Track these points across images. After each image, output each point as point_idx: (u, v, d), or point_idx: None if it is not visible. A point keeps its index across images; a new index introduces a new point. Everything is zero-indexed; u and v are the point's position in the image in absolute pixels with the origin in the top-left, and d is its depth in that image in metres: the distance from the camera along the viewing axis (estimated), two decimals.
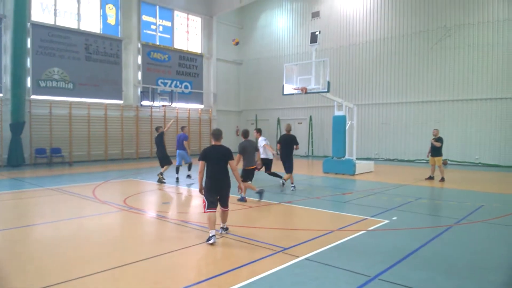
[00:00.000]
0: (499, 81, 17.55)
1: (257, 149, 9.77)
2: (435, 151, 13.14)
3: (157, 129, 13.24)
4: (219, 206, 6.16)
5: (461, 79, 18.61)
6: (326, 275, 4.66)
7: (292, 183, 11.22)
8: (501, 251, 5.65)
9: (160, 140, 12.87)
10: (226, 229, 6.47)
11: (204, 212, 5.93)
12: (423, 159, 19.38)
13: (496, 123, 17.58)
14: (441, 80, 19.22)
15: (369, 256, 5.33)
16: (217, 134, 6.29)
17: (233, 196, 7.81)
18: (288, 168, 11.26)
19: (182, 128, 13.86)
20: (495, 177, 14.58)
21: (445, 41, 19.00)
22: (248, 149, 9.33)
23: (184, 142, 13.07)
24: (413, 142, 20.11)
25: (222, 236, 6.23)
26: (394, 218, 7.59)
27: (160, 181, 12.33)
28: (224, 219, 6.38)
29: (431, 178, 13.36)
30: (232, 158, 6.25)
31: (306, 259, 5.16)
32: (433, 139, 13.27)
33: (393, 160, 20.71)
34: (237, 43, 15.66)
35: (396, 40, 20.70)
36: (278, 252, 5.44)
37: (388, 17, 20.96)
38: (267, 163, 11.31)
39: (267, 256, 5.25)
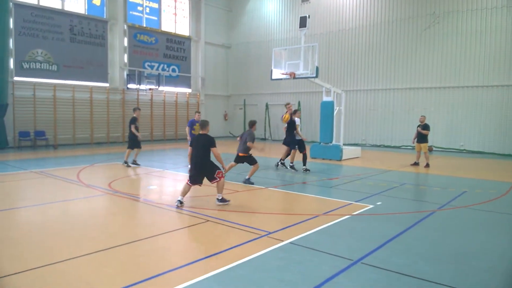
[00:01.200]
0: (486, 69, 17.69)
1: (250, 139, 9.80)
2: (421, 137, 13.27)
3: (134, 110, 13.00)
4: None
5: (449, 66, 18.71)
6: (310, 259, 4.70)
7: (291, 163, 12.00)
8: (483, 236, 5.76)
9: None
10: (222, 200, 7.21)
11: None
12: (409, 145, 19.58)
13: (482, 110, 17.79)
14: (429, 67, 19.30)
15: (353, 241, 5.39)
16: (202, 125, 7.38)
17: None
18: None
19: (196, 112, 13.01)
20: (479, 163, 14.83)
21: (434, 28, 19.02)
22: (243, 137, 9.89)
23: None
24: (399, 128, 20.27)
25: (207, 221, 6.22)
26: (379, 203, 7.67)
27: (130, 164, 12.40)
28: (218, 190, 7.24)
29: (416, 164, 13.52)
30: (214, 146, 7.13)
31: (290, 243, 5.18)
32: (419, 126, 13.37)
33: (379, 146, 20.89)
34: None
35: (385, 26, 20.65)
36: (263, 236, 5.45)
37: (377, 3, 20.84)
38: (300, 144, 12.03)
39: (252, 240, 5.26)
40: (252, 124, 10.08)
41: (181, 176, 10.90)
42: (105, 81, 20.66)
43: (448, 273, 4.33)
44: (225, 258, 4.60)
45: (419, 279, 4.14)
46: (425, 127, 13.26)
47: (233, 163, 9.79)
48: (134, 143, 12.39)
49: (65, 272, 4.19)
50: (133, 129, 12.22)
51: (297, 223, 6.15)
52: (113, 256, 4.69)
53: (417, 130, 13.41)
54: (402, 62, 20.15)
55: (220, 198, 7.27)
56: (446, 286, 3.97)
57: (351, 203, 7.63)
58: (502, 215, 7.01)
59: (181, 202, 7.06)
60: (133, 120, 12.33)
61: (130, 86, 21.30)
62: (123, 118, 21.06)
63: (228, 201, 7.33)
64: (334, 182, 10.17)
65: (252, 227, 5.83)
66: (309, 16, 14.42)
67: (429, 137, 13.78)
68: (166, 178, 10.63)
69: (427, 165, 13.14)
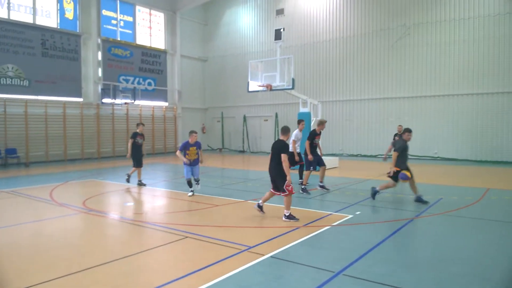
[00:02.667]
0: (455, 79, 18.28)
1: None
2: None
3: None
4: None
5: (420, 76, 19.24)
6: (291, 273, 4.65)
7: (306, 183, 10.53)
8: (460, 242, 5.85)
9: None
10: (290, 217, 7.06)
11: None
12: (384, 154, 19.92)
13: (454, 118, 18.31)
14: (401, 77, 19.80)
15: (333, 252, 5.38)
16: (282, 131, 7.64)
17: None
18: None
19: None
20: (453, 170, 15.19)
21: (405, 39, 19.58)
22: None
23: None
24: (375, 138, 20.63)
25: (186, 237, 6.10)
26: (358, 212, 7.72)
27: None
28: (285, 205, 7.14)
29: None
30: (285, 152, 7.08)
31: (271, 257, 5.13)
32: (397, 135, 13.63)
33: (356, 155, 21.17)
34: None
35: (358, 38, 21.12)
36: (243, 251, 5.38)
37: (350, 16, 21.34)
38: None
39: (232, 256, 5.18)
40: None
41: (159, 192, 10.71)
42: (79, 96, 20.25)
43: (427, 280, 4.36)
44: (205, 276, 4.50)
45: None
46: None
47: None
48: (138, 160, 11.60)
49: None
50: (129, 144, 11.60)
51: (277, 236, 6.10)
52: (90, 278, 4.51)
53: (394, 140, 13.64)
54: (376, 72, 20.61)
55: (287, 214, 7.04)
56: None
57: (330, 214, 7.65)
58: (478, 220, 7.16)
59: (259, 207, 7.47)
60: (133, 135, 11.67)
61: (105, 100, 20.96)
62: (97, 133, 20.65)
63: (297, 219, 7.01)
64: (313, 193, 10.19)
65: (232, 242, 5.75)
66: (283, 28, 14.62)
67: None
68: (143, 194, 10.42)
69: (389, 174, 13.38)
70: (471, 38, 17.83)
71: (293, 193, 7.10)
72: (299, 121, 11.00)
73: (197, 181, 9.81)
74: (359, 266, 4.81)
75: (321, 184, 10.49)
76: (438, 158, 18.73)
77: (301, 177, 10.87)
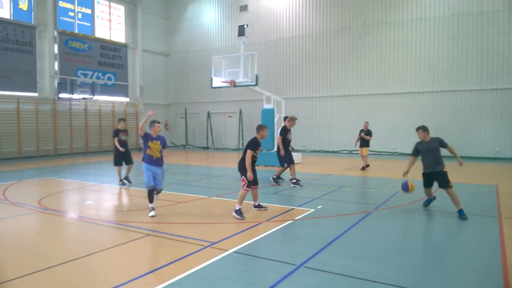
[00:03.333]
0: (413, 77, 19.01)
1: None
2: (364, 142, 13.94)
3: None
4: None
5: (379, 74, 19.87)
6: (254, 267, 4.70)
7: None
8: (416, 233, 6.13)
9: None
10: (237, 212, 6.98)
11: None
12: (345, 150, 20.51)
13: (411, 115, 19.02)
14: (362, 75, 20.36)
15: (296, 245, 5.48)
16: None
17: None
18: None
19: None
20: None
21: (365, 38, 20.12)
22: None
23: None
24: (337, 134, 21.10)
25: (148, 235, 6.00)
26: (319, 206, 7.89)
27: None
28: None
29: (364, 168, 14.01)
30: (248, 148, 7.20)
31: (234, 252, 5.15)
32: (362, 131, 14.01)
33: (319, 151, 21.58)
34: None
35: (320, 36, 21.48)
36: (207, 247, 5.36)
37: (313, 14, 21.65)
38: None
39: (195, 252, 5.15)
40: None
41: (118, 190, 10.45)
42: (34, 90, 19.34)
43: (385, 271, 4.54)
44: (167, 273, 4.45)
45: (359, 279, 4.29)
46: (368, 132, 13.97)
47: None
48: (119, 158, 10.83)
49: None
50: (115, 142, 10.81)
51: (241, 231, 6.13)
52: (46, 278, 4.34)
53: (360, 135, 14.03)
54: (337, 70, 21.06)
55: (236, 208, 7.01)
56: (384, 284, 4.16)
57: (293, 208, 7.77)
58: (431, 212, 7.51)
59: (256, 207, 7.55)
60: (115, 133, 10.98)
61: (62, 95, 20.13)
62: (54, 129, 19.82)
63: (243, 217, 6.87)
64: (276, 188, 10.31)
65: (195, 239, 5.72)
66: (247, 25, 14.63)
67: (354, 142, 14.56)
68: (103, 193, 10.13)
69: (363, 168, 13.82)
70: (427, 38, 18.59)
71: (246, 189, 7.11)
72: (285, 118, 11.44)
73: (157, 192, 7.64)
74: (320, 258, 4.92)
75: (294, 180, 10.50)
76: (395, 153, 19.44)
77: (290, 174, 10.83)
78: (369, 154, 18.38)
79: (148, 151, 7.37)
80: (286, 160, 10.46)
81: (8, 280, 4.26)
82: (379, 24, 19.75)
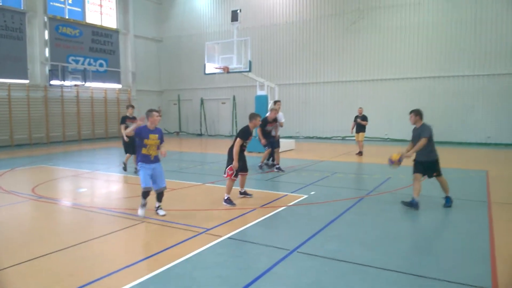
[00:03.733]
0: (407, 62, 19.04)
1: None
2: (360, 128, 14.05)
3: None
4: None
5: (374, 60, 19.85)
6: (248, 252, 4.78)
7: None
8: (406, 219, 6.24)
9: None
10: (227, 201, 7.05)
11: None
12: (339, 136, 20.63)
13: (404, 101, 19.09)
14: (356, 61, 20.34)
15: (289, 231, 5.56)
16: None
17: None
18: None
19: None
20: (402, 151, 15.92)
21: (359, 23, 20.03)
22: None
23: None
24: (330, 120, 21.17)
25: (142, 222, 6.05)
26: (312, 192, 7.98)
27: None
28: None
29: (360, 153, 14.18)
30: (237, 136, 7.09)
31: (229, 238, 5.22)
32: (358, 117, 14.09)
33: (312, 137, 21.66)
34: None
35: (314, 21, 21.35)
36: (201, 233, 5.43)
37: None
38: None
39: (190, 238, 5.22)
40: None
41: (114, 177, 10.47)
42: (25, 77, 19.08)
43: (376, 255, 4.64)
44: (162, 259, 4.52)
45: (351, 263, 4.39)
46: (364, 118, 14.07)
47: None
48: (128, 145, 10.37)
49: None
50: (122, 130, 10.30)
51: (234, 218, 6.20)
52: (42, 266, 4.39)
53: (357, 121, 14.10)
54: (331, 56, 21.00)
55: (225, 198, 7.07)
56: (376, 268, 4.26)
57: (286, 195, 7.85)
58: (422, 197, 7.61)
59: (242, 193, 7.59)
60: (122, 120, 10.75)
61: (53, 82, 19.90)
62: (46, 117, 19.65)
63: (234, 204, 6.98)
64: (270, 174, 10.38)
65: (189, 225, 5.78)
66: (240, 10, 14.48)
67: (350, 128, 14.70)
68: (97, 180, 10.14)
69: (360, 153, 13.99)
70: (422, 23, 18.56)
71: (233, 179, 7.10)
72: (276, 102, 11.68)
73: (159, 196, 6.43)
74: (312, 243, 5.02)
75: (277, 166, 10.73)
76: (388, 139, 19.58)
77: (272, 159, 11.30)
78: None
79: (143, 151, 6.22)
80: (268, 144, 10.64)
81: (4, 268, 4.29)
82: (373, 9, 19.66)
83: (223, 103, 24.91)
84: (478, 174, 10.16)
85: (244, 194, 7.63)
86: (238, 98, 24.07)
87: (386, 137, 19.66)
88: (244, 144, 7.18)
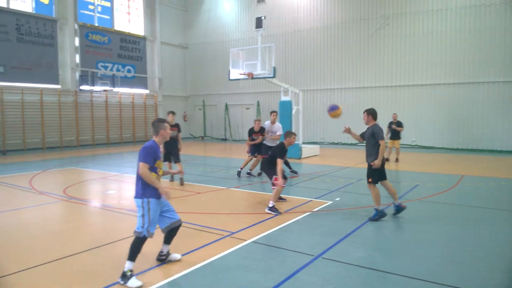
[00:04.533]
0: (433, 69, 18.65)
1: None
2: (395, 134, 13.90)
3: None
4: None
5: (399, 66, 19.56)
6: (272, 257, 4.79)
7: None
8: (433, 227, 6.10)
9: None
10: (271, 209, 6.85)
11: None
12: (364, 142, 20.34)
13: (431, 108, 18.73)
14: (380, 67, 20.09)
15: (313, 237, 5.54)
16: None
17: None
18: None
19: None
20: (430, 158, 15.63)
21: (384, 29, 19.81)
22: None
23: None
24: (354, 126, 20.63)
25: None
26: (337, 199, 7.93)
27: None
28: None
29: (387, 160, 14.01)
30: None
31: (253, 242, 5.26)
32: (393, 123, 13.94)
33: (337, 143, 21.48)
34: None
35: (338, 27, 21.24)
36: (226, 236, 5.48)
37: (330, 4, 21.40)
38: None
39: (215, 241, 5.28)
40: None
41: None
42: (56, 82, 19.79)
43: (401, 263, 4.57)
44: (188, 261, 4.59)
45: (375, 270, 4.34)
46: (399, 124, 13.92)
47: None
48: (167, 154, 9.61)
49: (18, 285, 4.02)
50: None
51: (259, 222, 6.23)
52: (71, 264, 4.54)
53: (392, 127, 13.94)
54: (355, 62, 20.82)
55: (270, 206, 6.88)
56: (399, 275, 4.20)
57: (311, 200, 7.83)
58: (451, 206, 7.46)
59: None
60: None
61: (83, 87, 20.55)
62: (76, 121, 20.28)
63: (279, 213, 6.73)
64: (294, 180, 10.37)
65: (214, 228, 5.85)
66: (264, 17, 14.58)
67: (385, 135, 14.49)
68: (124, 182, 10.38)
69: (397, 160, 13.86)
70: (449, 29, 18.17)
71: (283, 185, 7.07)
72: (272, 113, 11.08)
73: (176, 227, 4.59)
74: (337, 249, 4.98)
75: (249, 171, 10.97)
76: (415, 146, 19.20)
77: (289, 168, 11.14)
78: (386, 146, 18.32)
79: (154, 175, 4.37)
80: (252, 152, 10.87)
81: (36, 265, 4.46)
82: (398, 15, 19.40)
83: (247, 108, 25.05)
84: (510, 183, 9.83)
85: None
86: (262, 104, 24.17)
87: (414, 143, 19.28)
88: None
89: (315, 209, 7.08)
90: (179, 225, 4.58)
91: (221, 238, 5.40)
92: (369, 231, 5.82)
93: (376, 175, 6.58)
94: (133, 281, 3.97)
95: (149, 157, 4.30)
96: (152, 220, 4.24)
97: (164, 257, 4.58)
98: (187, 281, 4.07)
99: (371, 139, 6.56)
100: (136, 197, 4.28)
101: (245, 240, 5.29)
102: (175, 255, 4.65)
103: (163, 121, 4.56)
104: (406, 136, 19.13)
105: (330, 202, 7.60)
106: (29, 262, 4.57)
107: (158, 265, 4.48)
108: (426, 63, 18.83)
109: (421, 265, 4.52)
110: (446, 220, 6.48)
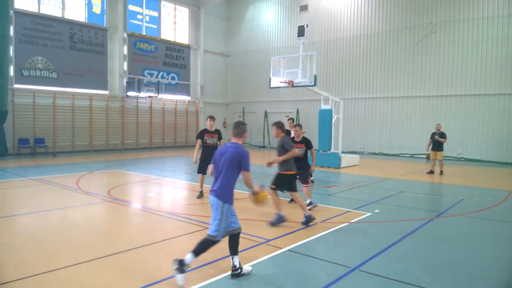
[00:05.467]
0: (482, 78, 17.83)
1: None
2: (438, 145, 13.42)
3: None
4: None
5: (446, 75, 18.86)
6: (308, 266, 4.74)
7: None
8: (479, 244, 5.80)
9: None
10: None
11: None
12: (407, 153, 19.76)
13: (479, 119, 17.90)
14: (426, 76, 19.45)
15: (351, 248, 5.43)
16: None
17: None
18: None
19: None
20: (477, 171, 14.89)
21: (431, 37, 19.20)
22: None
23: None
24: (397, 136, 20.37)
25: (205, 228, 6.24)
26: (377, 211, 7.72)
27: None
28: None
29: (431, 172, 13.58)
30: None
31: (289, 250, 5.23)
32: (436, 134, 13.48)
33: (378, 154, 20.96)
34: None
35: (382, 35, 20.84)
36: (261, 243, 5.49)
37: (374, 12, 21.06)
38: None
39: (250, 248, 5.30)
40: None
41: (180, 184, 10.94)
42: (105, 88, 20.76)
43: (443, 280, 4.38)
44: (223, 266, 4.64)
45: (416, 286, 4.18)
46: (442, 135, 13.43)
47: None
48: (203, 164, 8.55)
49: (66, 279, 4.23)
50: (196, 146, 8.85)
51: (295, 231, 6.19)
52: (114, 263, 4.73)
53: (434, 138, 13.48)
54: (399, 70, 20.31)
55: (308, 202, 7.65)
56: None
57: (349, 211, 7.68)
58: (498, 222, 7.06)
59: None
60: (200, 134, 8.79)
61: (130, 93, 21.42)
62: (122, 125, 21.14)
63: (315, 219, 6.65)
64: (333, 190, 10.22)
65: (250, 235, 5.87)
66: (307, 25, 14.59)
67: (426, 145, 14.03)
68: (165, 186, 10.67)
69: (441, 173, 13.33)
70: (499, 37, 17.33)
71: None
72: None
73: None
74: (375, 263, 4.85)
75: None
76: (462, 159, 18.37)
77: None
78: (430, 159, 17.65)
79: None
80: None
81: (80, 262, 4.68)
82: (446, 23, 18.75)
83: (287, 116, 25.01)
84: None
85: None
86: (302, 112, 24.08)
87: (460, 156, 18.45)
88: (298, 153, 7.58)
89: (353, 220, 6.94)
90: (239, 233, 4.52)
91: (257, 245, 5.42)
92: (410, 245, 5.62)
93: (280, 183, 6.86)
94: (181, 278, 4.01)
95: (248, 159, 4.54)
96: (226, 226, 4.34)
97: (239, 270, 4.34)
98: (221, 285, 4.11)
99: (282, 150, 6.85)
100: (219, 199, 4.32)
101: (281, 248, 5.28)
102: (248, 268, 4.48)
103: (245, 124, 4.90)
104: (452, 148, 18.37)
105: (369, 214, 7.42)
106: (75, 259, 4.79)
107: (197, 267, 4.54)
108: (474, 73, 18.03)
109: (465, 283, 4.31)
110: (493, 237, 6.14)
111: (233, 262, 4.36)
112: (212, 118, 8.86)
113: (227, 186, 4.37)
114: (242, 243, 5.44)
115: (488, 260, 5.07)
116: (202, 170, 8.57)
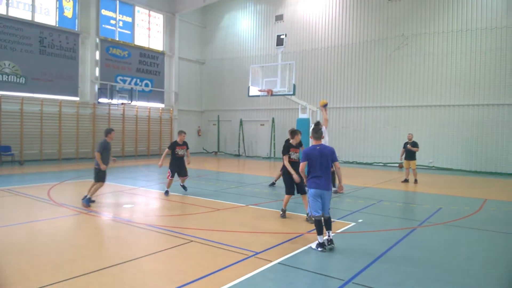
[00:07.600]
0: (452, 90, 18.46)
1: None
2: (411, 154, 13.65)
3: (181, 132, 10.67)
4: None
5: (417, 86, 19.41)
6: (300, 280, 4.63)
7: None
8: (465, 253, 5.88)
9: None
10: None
11: None
12: (380, 162, 20.12)
13: (449, 128, 18.48)
14: (398, 87, 19.96)
15: (340, 259, 5.37)
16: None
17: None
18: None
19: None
20: (449, 180, 15.30)
21: (403, 49, 19.75)
22: None
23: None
24: (371, 146, 20.73)
25: (191, 241, 6.04)
26: (360, 220, 7.73)
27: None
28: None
29: (406, 181, 13.82)
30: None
31: (279, 263, 5.10)
32: (408, 143, 13.72)
33: (352, 162, 21.24)
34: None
35: (356, 46, 21.27)
36: (250, 256, 5.34)
37: (348, 24, 21.49)
38: None
39: (240, 261, 5.14)
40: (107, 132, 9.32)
41: (156, 194, 10.62)
42: (75, 95, 20.06)
43: None
44: (214, 281, 4.46)
45: None
46: (414, 144, 13.67)
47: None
48: (173, 169, 10.41)
49: None
50: (163, 155, 10.49)
51: (282, 242, 6.08)
52: (97, 281, 4.44)
53: (407, 147, 13.72)
54: (373, 81, 20.75)
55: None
56: None
57: (333, 221, 7.60)
58: (479, 231, 7.21)
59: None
60: (172, 146, 10.45)
61: (101, 100, 20.80)
62: (93, 133, 20.46)
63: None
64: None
65: (238, 247, 5.71)
66: (285, 35, 14.66)
67: (399, 155, 14.33)
68: (140, 196, 10.32)
69: (416, 181, 13.56)
70: (468, 50, 18.04)
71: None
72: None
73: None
74: (367, 274, 4.80)
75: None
76: (433, 168, 18.87)
77: None
78: (404, 167, 18.02)
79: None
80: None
81: (60, 280, 4.37)
82: (417, 35, 19.35)
83: (262, 125, 25.03)
84: None
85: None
86: (277, 120, 24.13)
87: (431, 165, 18.96)
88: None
89: (339, 230, 6.91)
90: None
91: (246, 258, 5.26)
92: (398, 255, 5.61)
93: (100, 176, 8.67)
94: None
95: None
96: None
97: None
98: None
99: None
100: (330, 189, 6.09)
101: (271, 261, 5.14)
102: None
103: (321, 128, 6.69)
104: (424, 157, 18.85)
105: (353, 224, 7.41)
106: (53, 277, 4.47)
107: (186, 284, 4.33)
108: (445, 84, 18.66)
109: None
110: (477, 245, 6.24)
111: (329, 235, 5.85)
112: (184, 132, 10.62)
113: (329, 177, 6.18)
114: (231, 256, 5.30)
115: (475, 269, 5.13)
116: (173, 175, 10.36)
